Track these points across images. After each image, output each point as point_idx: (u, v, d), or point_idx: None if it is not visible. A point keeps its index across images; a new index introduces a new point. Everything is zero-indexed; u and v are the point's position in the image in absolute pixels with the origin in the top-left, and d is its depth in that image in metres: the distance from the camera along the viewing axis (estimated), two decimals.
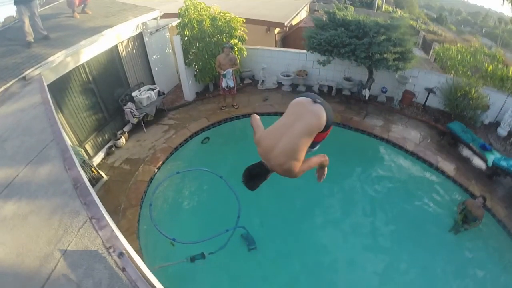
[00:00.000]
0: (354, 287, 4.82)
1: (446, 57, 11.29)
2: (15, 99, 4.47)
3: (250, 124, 2.89)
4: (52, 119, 3.74)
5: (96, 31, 6.42)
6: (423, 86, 8.30)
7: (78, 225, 2.10)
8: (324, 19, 7.98)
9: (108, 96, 7.08)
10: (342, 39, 7.23)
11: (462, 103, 7.32)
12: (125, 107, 7.24)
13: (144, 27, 7.82)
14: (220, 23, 8.15)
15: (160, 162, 6.58)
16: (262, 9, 11.96)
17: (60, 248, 1.99)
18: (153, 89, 7.75)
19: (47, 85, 4.95)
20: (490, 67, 8.86)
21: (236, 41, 8.50)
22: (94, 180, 5.99)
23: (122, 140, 7.12)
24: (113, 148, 7.04)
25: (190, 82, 8.70)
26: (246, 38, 8.81)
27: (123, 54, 7.36)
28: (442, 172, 6.49)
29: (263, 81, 9.46)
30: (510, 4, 14.30)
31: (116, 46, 7.06)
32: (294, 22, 12.41)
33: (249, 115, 8.05)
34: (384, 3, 25.95)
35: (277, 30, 11.66)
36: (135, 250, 4.77)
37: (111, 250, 1.81)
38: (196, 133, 7.54)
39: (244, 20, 8.72)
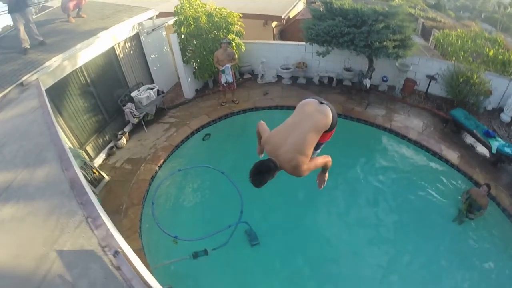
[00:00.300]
0: (358, 280, 4.78)
1: (447, 43, 11.11)
2: (13, 105, 4.50)
3: (256, 130, 2.98)
4: (49, 122, 3.75)
5: (91, 34, 6.42)
6: (424, 73, 8.18)
7: (74, 225, 2.09)
8: (321, 9, 7.87)
9: (107, 98, 7.08)
10: (341, 28, 7.13)
11: (464, 89, 7.20)
12: (124, 107, 7.24)
13: (140, 27, 7.79)
14: (216, 19, 8.09)
15: (162, 161, 6.57)
16: (259, 3, 11.84)
17: (56, 249, 1.98)
18: (152, 88, 7.74)
19: (46, 90, 5.01)
20: (491, 51, 8.70)
21: (234, 36, 8.43)
22: (96, 181, 6.01)
23: (123, 140, 7.12)
24: (114, 149, 7.04)
25: (189, 79, 8.66)
26: (244, 33, 8.74)
27: (121, 55, 7.35)
28: (446, 161, 6.40)
29: (262, 75, 9.39)
30: None
31: (113, 47, 7.05)
32: (291, 15, 12.27)
33: (250, 109, 8.04)
34: None
35: (274, 23, 11.56)
36: (137, 249, 4.82)
37: (106, 249, 1.79)
38: (197, 130, 7.52)
39: (241, 15, 8.64)
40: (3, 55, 5.68)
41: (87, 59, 6.36)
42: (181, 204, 6.05)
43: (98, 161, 6.75)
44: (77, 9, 7.41)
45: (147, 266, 4.54)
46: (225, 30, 8.26)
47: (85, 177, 5.64)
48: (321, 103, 2.67)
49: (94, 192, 5.77)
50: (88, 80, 6.51)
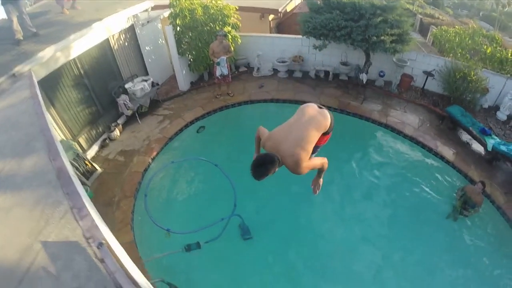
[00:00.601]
0: (351, 275, 4.77)
1: (444, 40, 11.08)
2: (5, 95, 4.43)
3: (255, 136, 3.13)
4: (39, 112, 3.69)
5: (85, 25, 6.32)
6: (422, 69, 8.15)
7: (59, 215, 2.04)
8: (318, 2, 7.80)
9: (101, 90, 7.00)
10: (338, 22, 7.07)
11: (461, 86, 7.19)
12: (118, 99, 7.15)
13: (135, 19, 7.67)
14: (212, 11, 7.98)
15: (155, 153, 6.52)
16: None
17: (41, 240, 1.93)
18: (146, 80, 7.66)
19: (39, 81, 4.98)
20: (489, 49, 8.68)
21: (230, 28, 8.34)
22: (88, 173, 5.96)
23: (116, 132, 7.05)
24: (107, 141, 6.97)
25: (184, 72, 8.58)
26: (240, 25, 8.64)
27: (115, 47, 7.25)
28: (441, 157, 6.40)
29: (258, 68, 9.32)
30: None
31: (107, 39, 6.95)
32: (288, 9, 12.15)
33: (245, 102, 8.00)
34: None
35: (271, 17, 11.45)
36: (129, 242, 4.78)
37: (90, 241, 1.74)
38: (191, 123, 7.47)
39: (237, 8, 8.53)
40: None
41: (81, 51, 6.27)
42: (174, 196, 6.01)
43: (91, 153, 6.68)
44: (72, 1, 7.35)
45: (139, 259, 4.51)
46: (221, 23, 8.16)
47: (77, 169, 5.61)
48: (320, 107, 2.85)
49: (86, 184, 5.72)
50: (82, 72, 6.42)
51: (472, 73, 7.10)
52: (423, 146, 6.68)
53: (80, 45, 6.19)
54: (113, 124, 7.19)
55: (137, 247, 4.74)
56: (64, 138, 5.92)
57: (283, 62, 9.10)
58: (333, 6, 7.32)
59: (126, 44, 7.64)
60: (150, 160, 6.35)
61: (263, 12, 11.00)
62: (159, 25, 8.82)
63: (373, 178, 6.31)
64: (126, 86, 7.37)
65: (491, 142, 6.05)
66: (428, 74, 7.95)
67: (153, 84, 7.79)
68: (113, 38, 7.15)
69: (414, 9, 21.38)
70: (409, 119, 7.36)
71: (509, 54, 8.21)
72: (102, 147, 6.88)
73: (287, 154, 2.52)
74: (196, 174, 6.45)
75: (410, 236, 5.26)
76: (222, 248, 4.88)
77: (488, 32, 12.12)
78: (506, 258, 4.90)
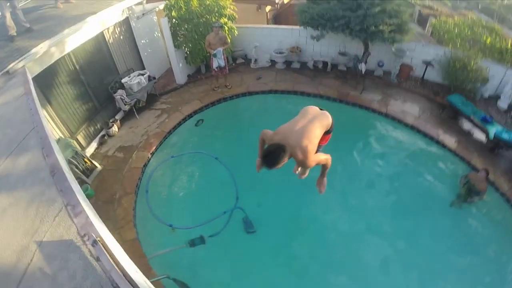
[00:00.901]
0: (357, 264, 4.76)
1: (443, 30, 10.95)
2: None
3: (259, 139, 3.19)
4: (33, 109, 3.62)
5: (80, 19, 6.23)
6: (421, 59, 8.05)
7: (54, 213, 1.98)
8: None
9: (97, 85, 6.89)
10: (336, 12, 6.96)
11: (461, 75, 7.11)
12: (115, 94, 7.07)
13: (130, 12, 7.55)
14: (208, 2, 7.88)
15: (154, 148, 6.47)
16: None
17: (36, 240, 1.88)
18: (143, 74, 7.56)
19: (33, 78, 4.90)
20: (489, 39, 8.57)
21: (226, 20, 8.22)
22: (88, 171, 5.90)
23: (115, 128, 6.98)
24: (105, 137, 6.90)
25: (181, 65, 8.47)
26: (236, 17, 8.51)
27: (110, 41, 7.13)
28: (443, 146, 6.36)
29: (255, 59, 9.22)
30: None
31: (102, 33, 6.83)
32: (285, 0, 12.03)
33: (243, 94, 7.94)
34: None
35: (268, 8, 11.31)
36: (132, 239, 4.75)
37: (85, 238, 1.69)
38: (190, 116, 7.41)
39: None
40: None
41: (76, 45, 6.14)
42: (175, 191, 5.97)
43: (90, 150, 6.61)
44: None
45: (143, 256, 4.48)
46: (217, 14, 8.04)
47: (76, 167, 5.55)
48: (321, 109, 3.02)
49: (87, 182, 5.67)
50: (77, 67, 6.31)
51: (472, 62, 7.02)
52: (425, 135, 6.63)
53: (75, 39, 6.06)
54: (111, 120, 7.11)
55: (140, 244, 4.70)
56: (62, 136, 5.84)
57: (280, 53, 9.00)
58: None
59: (122, 37, 7.52)
60: (149, 155, 6.30)
61: (260, 3, 10.86)
62: (155, 18, 8.69)
63: (376, 167, 6.29)
64: (123, 80, 7.27)
65: (492, 130, 6.00)
66: (427, 63, 7.87)
67: (149, 78, 7.70)
68: (108, 32, 7.03)
69: (412, 1, 21.14)
70: (410, 108, 7.29)
71: (509, 45, 8.11)
72: (100, 144, 6.80)
73: (296, 145, 2.61)
74: (197, 168, 6.41)
75: (415, 224, 5.24)
76: (226, 242, 4.87)
77: (487, 23, 11.95)
78: None
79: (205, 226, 4.50)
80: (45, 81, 5.61)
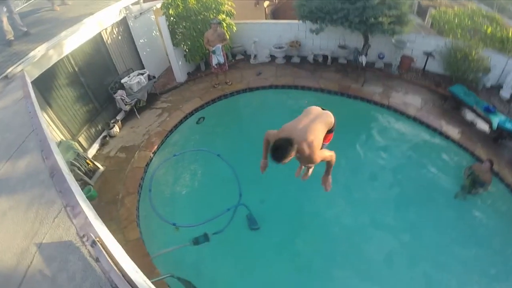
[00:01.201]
0: (361, 258, 4.74)
1: (443, 21, 10.82)
2: None
3: (264, 140, 3.23)
4: (32, 112, 3.61)
5: (77, 21, 6.20)
6: (421, 50, 7.97)
7: (53, 215, 1.98)
8: None
9: (97, 86, 6.88)
10: (334, 4, 6.90)
11: (462, 65, 7.03)
12: (115, 95, 7.06)
13: (127, 11, 7.51)
14: None
15: (155, 147, 6.46)
16: None
17: (36, 242, 1.88)
18: (142, 74, 7.54)
19: (32, 82, 4.90)
20: (490, 28, 8.46)
21: (224, 16, 8.17)
22: (90, 172, 5.90)
23: (116, 128, 6.97)
24: (107, 138, 6.89)
25: (180, 63, 8.44)
26: (234, 13, 8.46)
27: (108, 42, 7.12)
28: (447, 137, 6.30)
29: (255, 55, 9.16)
30: None
31: (100, 34, 6.81)
32: None
33: (243, 90, 7.92)
34: None
35: (266, 3, 11.26)
36: (136, 239, 4.75)
37: (84, 239, 1.68)
38: (191, 114, 7.39)
39: None
40: None
41: (74, 47, 6.13)
42: (178, 189, 5.97)
43: (92, 151, 6.61)
44: None
45: (147, 255, 4.48)
46: (214, 11, 8.00)
47: (79, 168, 5.55)
48: (324, 109, 3.09)
49: (90, 183, 5.68)
50: (76, 69, 6.31)
51: (473, 52, 6.94)
52: (428, 126, 6.57)
53: (72, 41, 6.04)
54: (112, 121, 7.11)
55: (144, 244, 4.70)
56: (64, 139, 5.84)
57: (280, 48, 8.94)
58: None
59: (120, 38, 7.51)
60: (151, 155, 6.29)
61: None
62: (152, 17, 8.66)
63: (379, 160, 6.25)
64: (122, 81, 7.26)
65: (496, 120, 5.92)
66: (428, 54, 7.78)
67: (149, 77, 7.68)
68: (106, 32, 7.01)
69: None
70: (412, 100, 7.22)
71: (510, 34, 7.99)
72: (102, 145, 6.80)
73: (302, 140, 2.66)
74: (199, 166, 6.40)
75: (419, 216, 5.21)
76: (230, 240, 4.86)
77: (487, 13, 11.80)
78: None
79: (208, 223, 4.48)
80: (45, 84, 5.60)
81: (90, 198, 5.42)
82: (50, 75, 5.74)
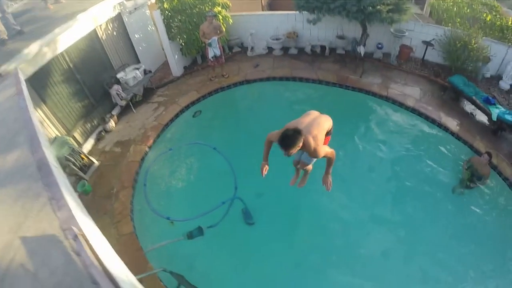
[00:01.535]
0: (358, 254, 4.71)
1: (442, 9, 10.68)
2: None
3: (265, 141, 3.37)
4: (24, 107, 3.60)
5: (70, 17, 6.16)
6: (420, 39, 7.88)
7: (38, 208, 1.95)
8: None
9: (92, 82, 6.82)
10: None
11: (462, 55, 6.92)
12: (111, 90, 6.99)
13: (122, 7, 7.42)
14: None
15: (151, 141, 6.40)
16: None
17: (20, 236, 1.84)
18: (138, 69, 7.48)
19: (27, 79, 4.92)
20: (489, 17, 8.34)
21: (220, 8, 8.06)
22: (85, 167, 5.86)
23: (111, 123, 6.92)
24: (103, 133, 6.83)
25: (176, 56, 8.35)
26: (230, 5, 8.34)
27: (103, 37, 7.04)
28: (445, 129, 6.22)
29: (252, 47, 9.05)
30: None
31: (94, 30, 6.74)
32: None
33: (240, 83, 7.85)
34: None
35: None
36: (129, 233, 4.73)
37: (67, 233, 1.63)
38: (187, 107, 7.32)
39: None
40: None
41: (68, 44, 6.07)
42: (173, 183, 5.92)
43: (88, 146, 6.56)
44: None
45: (140, 250, 4.46)
46: (210, 3, 7.90)
47: (74, 163, 5.51)
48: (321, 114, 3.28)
49: (84, 178, 5.65)
50: (71, 65, 6.25)
51: (473, 41, 6.84)
52: (426, 117, 6.49)
53: (67, 38, 5.99)
54: (107, 116, 7.05)
55: (137, 238, 4.66)
56: (59, 134, 5.80)
57: (277, 39, 8.84)
58: None
59: (115, 33, 7.42)
60: (147, 149, 6.24)
61: None
62: (147, 11, 8.55)
63: (377, 152, 6.18)
64: (118, 76, 7.20)
65: (495, 111, 5.82)
66: (427, 44, 7.69)
67: (145, 72, 7.61)
68: (101, 28, 6.94)
69: None
70: (411, 90, 7.14)
71: (510, 22, 7.87)
72: (98, 139, 6.76)
73: (308, 134, 2.82)
74: (195, 159, 6.35)
75: (417, 210, 5.16)
76: (225, 234, 4.82)
77: (486, 0, 11.65)
78: None
79: (203, 217, 4.44)
80: (40, 81, 5.55)
81: (84, 193, 5.41)
82: (45, 73, 5.69)
